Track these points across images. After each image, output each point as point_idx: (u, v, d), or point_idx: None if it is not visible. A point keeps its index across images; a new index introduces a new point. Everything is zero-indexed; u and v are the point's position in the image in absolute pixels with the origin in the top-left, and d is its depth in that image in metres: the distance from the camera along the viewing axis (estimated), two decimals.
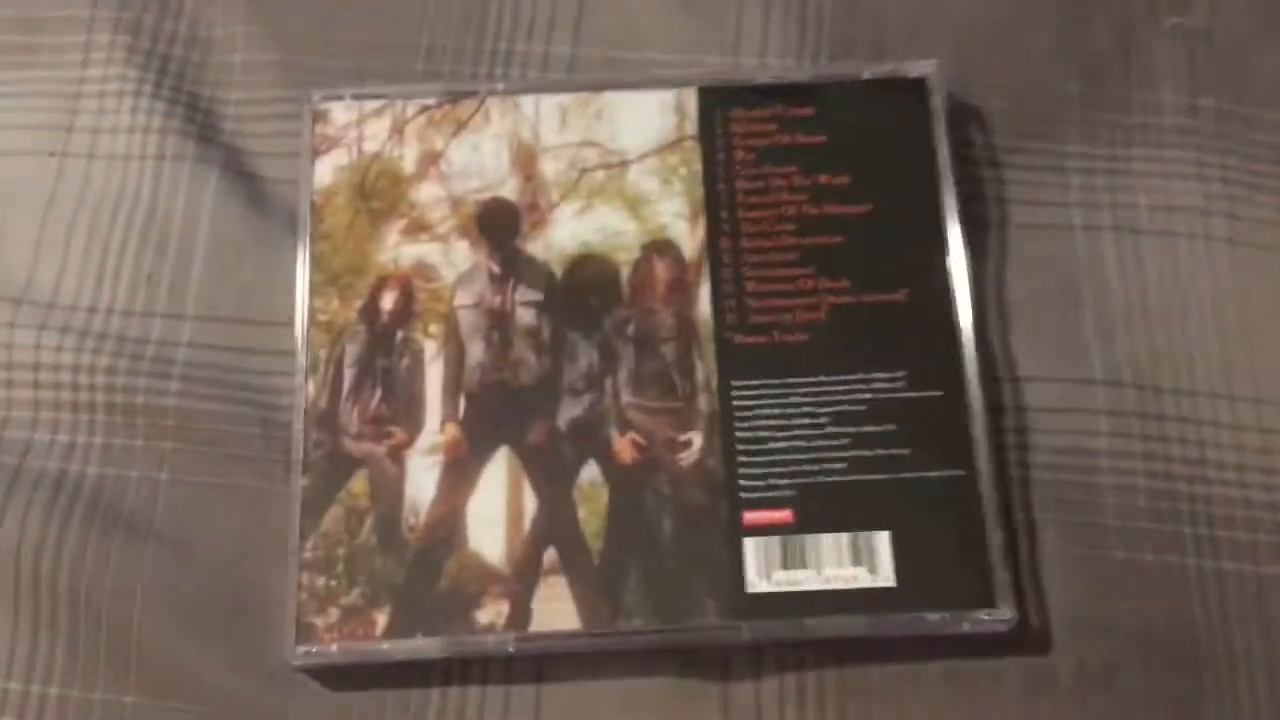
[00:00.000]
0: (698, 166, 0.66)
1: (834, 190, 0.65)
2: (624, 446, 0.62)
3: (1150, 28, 0.71)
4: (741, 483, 0.61)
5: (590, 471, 0.61)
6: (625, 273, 0.64)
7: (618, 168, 0.66)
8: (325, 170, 0.66)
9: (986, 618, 0.58)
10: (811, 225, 0.65)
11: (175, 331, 0.65)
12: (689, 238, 0.65)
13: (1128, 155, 0.68)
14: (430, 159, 0.66)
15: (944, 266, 0.64)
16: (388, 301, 0.64)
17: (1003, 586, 0.59)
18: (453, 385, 0.62)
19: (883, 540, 0.60)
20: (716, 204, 0.65)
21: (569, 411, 0.62)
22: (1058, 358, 0.64)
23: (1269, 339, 0.64)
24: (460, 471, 0.61)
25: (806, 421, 0.61)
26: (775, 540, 0.60)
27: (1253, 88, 0.69)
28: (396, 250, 0.65)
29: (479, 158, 0.66)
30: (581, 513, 0.60)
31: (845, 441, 0.61)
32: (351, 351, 0.63)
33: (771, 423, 0.62)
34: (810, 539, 0.60)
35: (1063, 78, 0.69)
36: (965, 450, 0.61)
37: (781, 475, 0.61)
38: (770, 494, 0.60)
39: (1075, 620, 0.60)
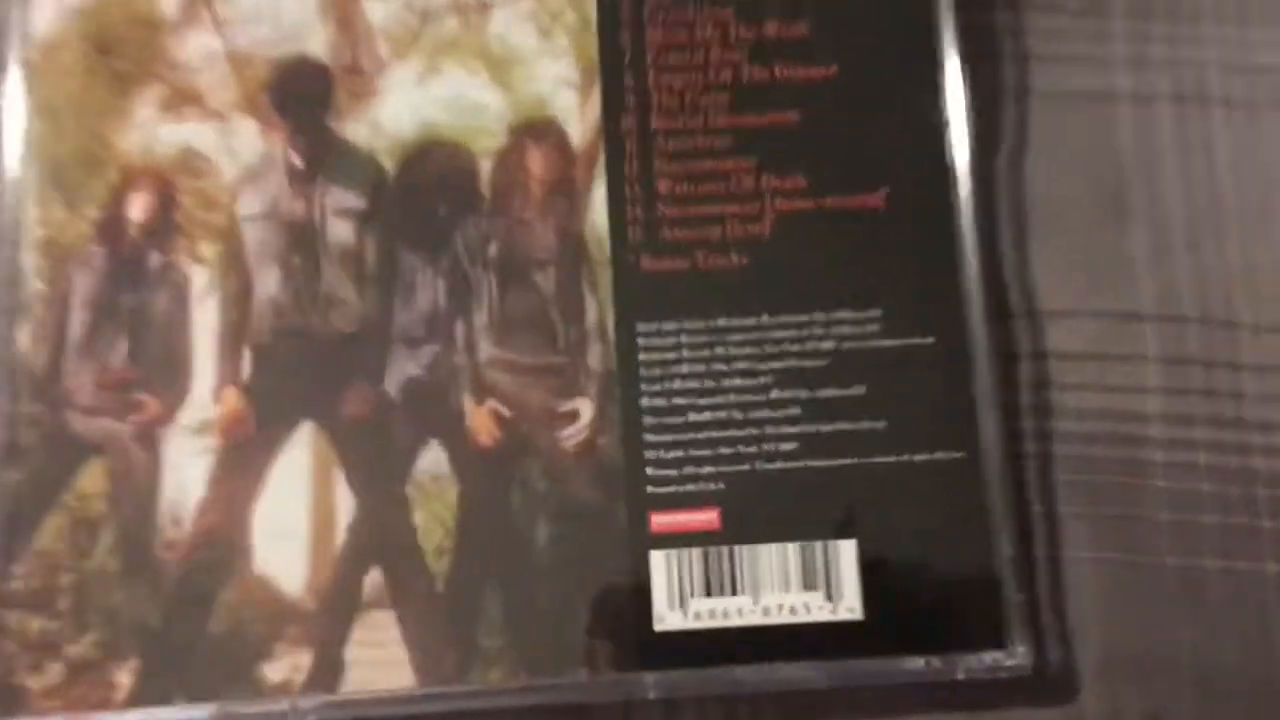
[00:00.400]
0: (591, 10, 0.47)
1: (787, 45, 0.47)
2: (481, 421, 0.44)
3: None
4: (649, 471, 0.44)
5: (432, 458, 0.44)
6: (486, 167, 0.46)
7: (476, 11, 0.47)
8: (45, 13, 0.47)
9: (992, 661, 0.42)
10: (753, 96, 0.47)
11: None
12: (577, 116, 0.47)
13: None
14: None
15: (938, 157, 0.46)
16: (137, 209, 0.46)
17: (1015, 616, 0.42)
18: (233, 333, 0.45)
19: (847, 553, 0.43)
20: (618, 65, 0.47)
21: (402, 370, 0.45)
22: (1092, 284, 0.48)
23: None
24: (243, 460, 0.44)
25: (741, 383, 0.44)
26: (694, 554, 0.43)
27: None
28: (150, 132, 0.46)
29: None
30: (419, 518, 0.44)
31: (795, 411, 0.44)
32: (83, 284, 0.45)
33: (691, 385, 0.44)
34: (744, 552, 0.43)
35: None
36: (964, 422, 0.44)
37: (705, 460, 0.44)
38: (688, 487, 0.44)
39: (1111, 656, 0.45)
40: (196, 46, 0.47)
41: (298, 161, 0.46)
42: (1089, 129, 0.50)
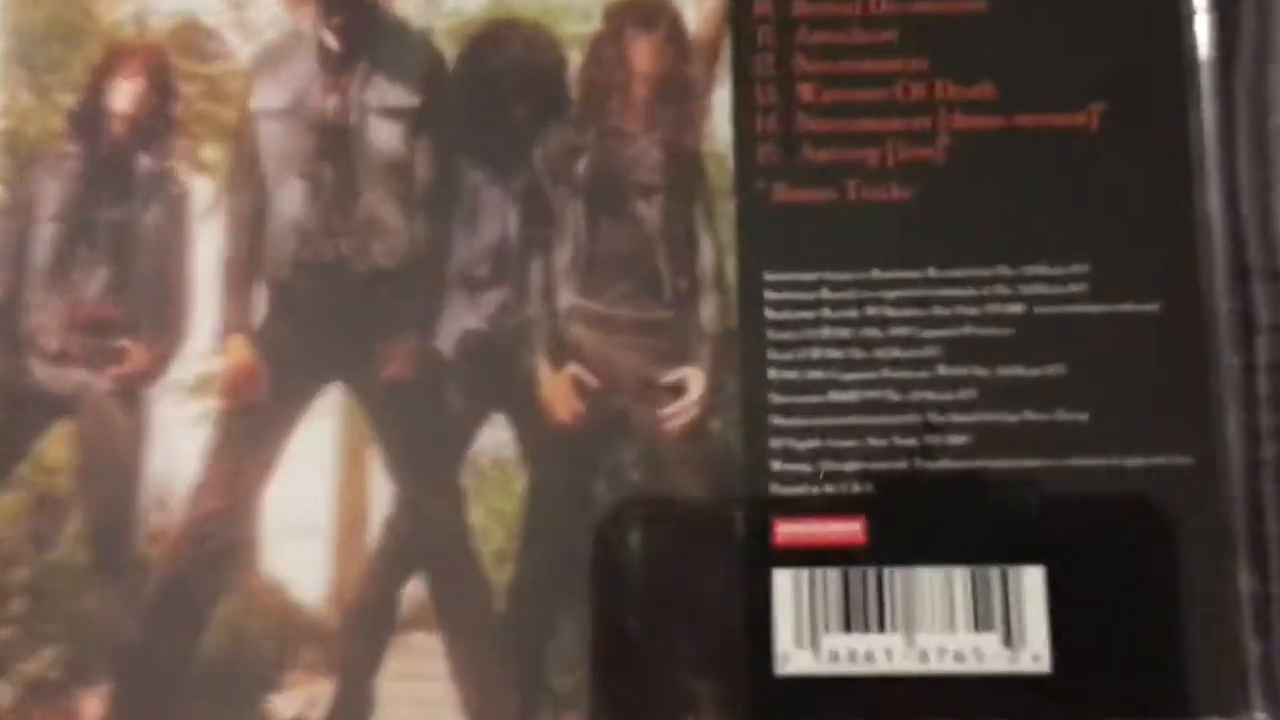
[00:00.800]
0: None
1: None
2: (559, 390, 0.35)
3: None
4: (775, 466, 0.34)
5: (495, 436, 0.35)
6: (575, 59, 0.36)
7: None
8: None
9: None
10: None
11: None
12: None
13: None
14: None
15: (1175, 60, 0.35)
16: (124, 98, 0.37)
17: (1253, 671, 0.32)
18: (243, 264, 0.36)
19: (1033, 584, 0.33)
20: None
21: (459, 321, 0.36)
22: None
23: None
24: (251, 429, 0.36)
25: (900, 355, 0.34)
26: (831, 576, 0.33)
27: None
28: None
29: None
30: (476, 513, 0.35)
31: (970, 395, 0.34)
32: (52, 192, 0.36)
33: (834, 354, 0.34)
34: (898, 576, 0.34)
35: None
36: (1195, 417, 0.34)
37: (849, 454, 0.34)
38: (827, 489, 0.34)
39: None
40: None
41: (332, 42, 0.37)
42: None
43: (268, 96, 0.37)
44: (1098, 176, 0.36)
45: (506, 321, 0.36)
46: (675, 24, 0.37)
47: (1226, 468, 0.35)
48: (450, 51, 0.37)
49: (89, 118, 0.37)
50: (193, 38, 0.37)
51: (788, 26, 0.37)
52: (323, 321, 0.36)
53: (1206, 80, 0.37)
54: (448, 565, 0.35)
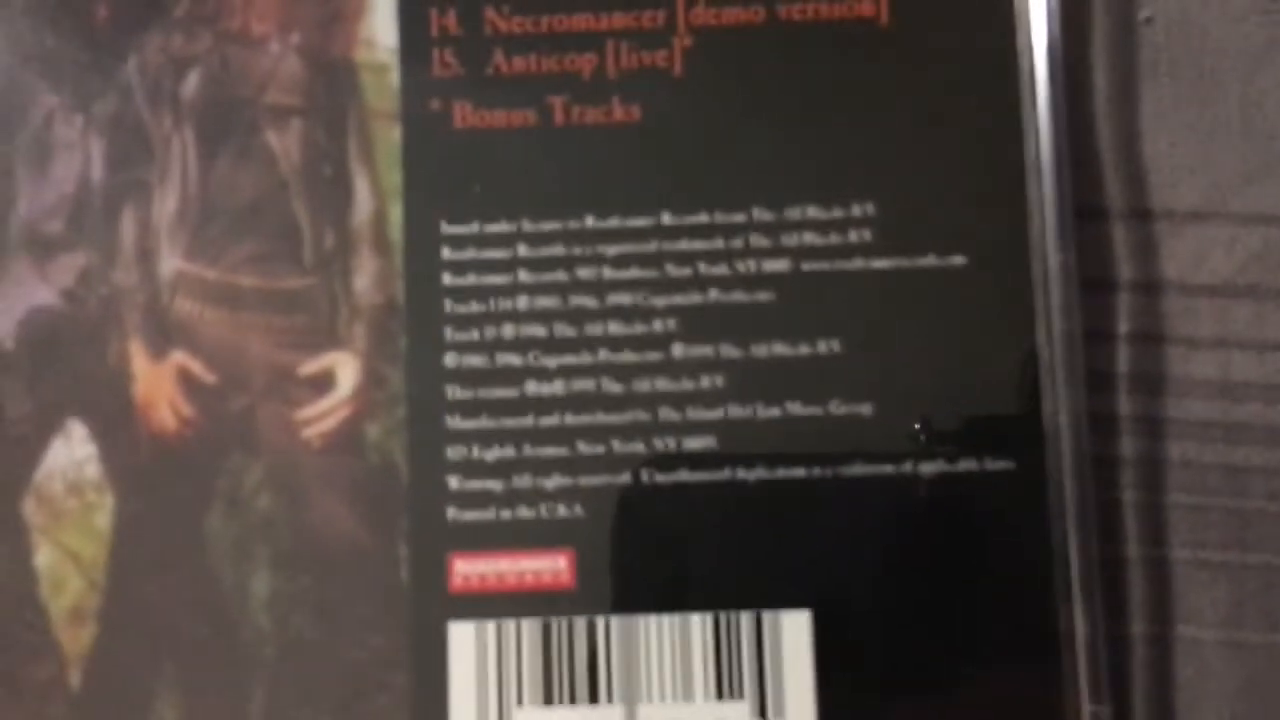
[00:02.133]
0: None
1: None
2: (160, 387, 0.26)
3: None
4: (453, 483, 0.26)
5: (72, 452, 0.26)
6: None
7: None
8: None
9: None
10: None
11: None
12: None
13: None
14: None
15: None
16: None
17: None
18: None
19: (795, 633, 0.25)
20: None
21: (24, 294, 0.26)
22: (1240, 168, 0.28)
23: None
24: None
25: (622, 331, 0.26)
26: (527, 629, 0.25)
27: None
28: None
29: None
30: (43, 556, 0.26)
31: (715, 383, 0.26)
32: None
33: (534, 332, 0.26)
34: (615, 627, 0.25)
35: None
36: (1019, 406, 0.25)
37: (552, 466, 0.26)
38: (522, 512, 0.26)
39: None
40: None
41: None
42: None
43: None
44: (887, 87, 0.27)
45: (88, 295, 0.26)
46: None
47: (1060, 475, 0.27)
48: None
49: None
50: None
51: None
52: None
53: None
54: (5, 627, 0.27)
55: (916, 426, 0.26)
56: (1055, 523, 0.26)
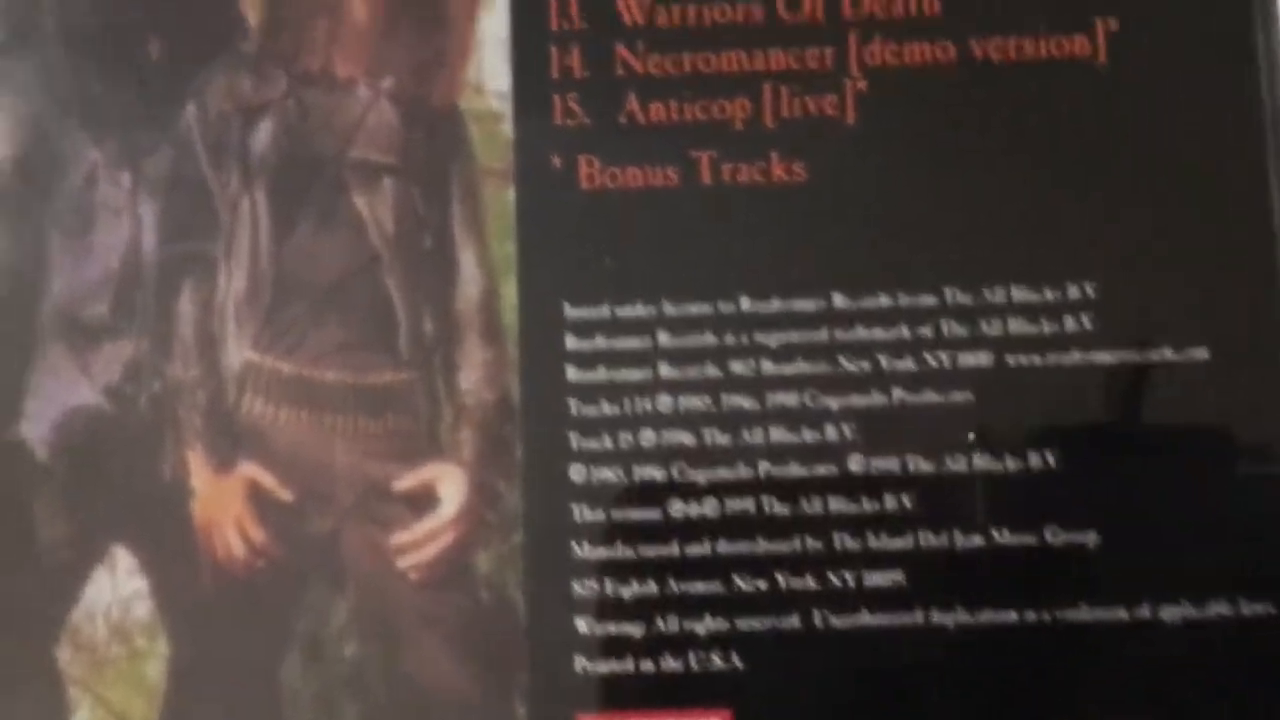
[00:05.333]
0: None
1: None
2: (226, 506, 0.22)
3: None
4: (581, 625, 0.22)
5: (117, 587, 0.22)
6: None
7: None
8: None
9: None
10: None
11: None
12: None
13: None
14: None
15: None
16: None
17: None
18: None
19: None
20: None
21: (63, 391, 0.23)
22: None
23: None
24: None
25: (787, 439, 0.22)
26: None
27: None
28: None
29: None
30: (87, 713, 0.22)
31: (902, 505, 0.22)
32: None
33: (679, 439, 0.22)
34: None
35: None
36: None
37: (702, 604, 0.22)
38: (667, 662, 0.22)
39: None
40: None
41: None
42: None
43: None
44: (1108, 140, 0.24)
45: (137, 392, 0.23)
46: None
47: None
48: None
49: None
50: None
51: None
52: None
53: None
54: None
55: (1151, 561, 0.23)
56: None
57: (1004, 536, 0.23)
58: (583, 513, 0.23)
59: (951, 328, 0.23)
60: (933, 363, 0.23)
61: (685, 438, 0.23)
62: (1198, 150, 0.24)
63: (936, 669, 0.23)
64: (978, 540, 0.23)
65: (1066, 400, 0.23)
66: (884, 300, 0.24)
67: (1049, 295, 0.23)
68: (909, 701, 0.23)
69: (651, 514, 0.23)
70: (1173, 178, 0.24)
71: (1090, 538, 0.23)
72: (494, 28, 0.24)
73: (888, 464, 0.23)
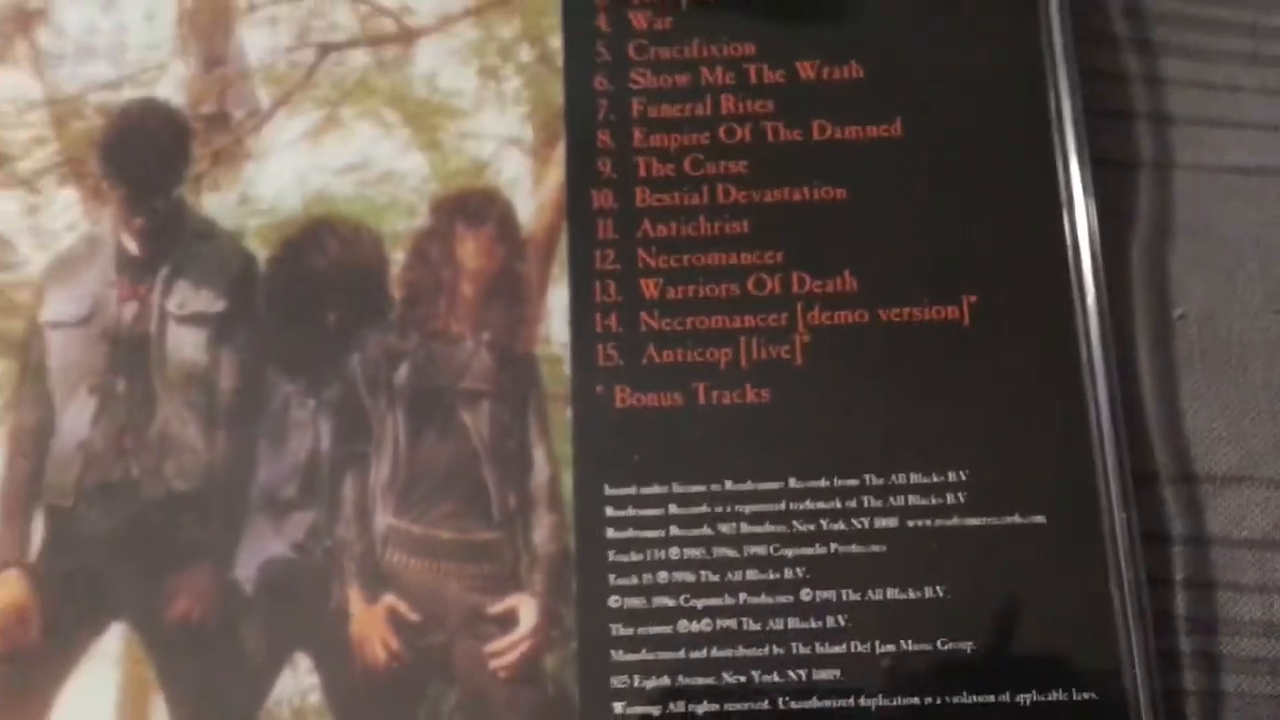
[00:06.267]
0: (556, 42, 0.35)
1: (832, 92, 0.35)
2: (374, 625, 0.32)
3: None
4: (617, 709, 0.31)
5: (299, 681, 0.31)
6: (399, 258, 0.34)
7: (394, 42, 0.36)
8: None
9: None
10: (782, 163, 0.35)
11: None
12: (529, 188, 0.35)
13: None
14: (19, 21, 0.36)
15: (1054, 248, 0.34)
16: None
17: None
18: (20, 488, 0.33)
19: None
20: (589, 119, 0.35)
21: (262, 547, 0.33)
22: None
23: None
24: (21, 680, 0.32)
25: (756, 578, 0.32)
26: None
27: None
28: None
29: (118, 19, 0.36)
30: None
31: (837, 622, 0.31)
32: None
33: (685, 577, 0.32)
34: None
35: None
36: (1099, 646, 0.31)
37: (700, 694, 0.31)
38: None
39: None
40: (6, 89, 0.37)
41: (133, 246, 0.35)
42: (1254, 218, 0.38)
43: (60, 307, 0.34)
44: (972, 375, 0.34)
45: (315, 547, 0.33)
46: (506, 218, 0.35)
47: (1137, 706, 0.32)
48: (263, 253, 0.35)
49: None
50: None
51: (629, 218, 0.36)
52: (108, 553, 0.33)
53: (1093, 268, 0.36)
54: None
55: (1011, 662, 0.32)
56: None
57: (909, 645, 0.32)
58: (618, 629, 0.33)
59: (870, 501, 0.34)
60: (857, 525, 0.33)
61: (688, 577, 0.33)
62: (1033, 382, 0.34)
63: None
64: (890, 648, 0.33)
65: (948, 550, 0.33)
66: (824, 482, 0.34)
67: (935, 478, 0.34)
68: None
69: (665, 629, 0.33)
70: (1018, 402, 0.34)
71: (967, 646, 0.32)
72: (559, 300, 0.35)
73: (828, 594, 0.33)
